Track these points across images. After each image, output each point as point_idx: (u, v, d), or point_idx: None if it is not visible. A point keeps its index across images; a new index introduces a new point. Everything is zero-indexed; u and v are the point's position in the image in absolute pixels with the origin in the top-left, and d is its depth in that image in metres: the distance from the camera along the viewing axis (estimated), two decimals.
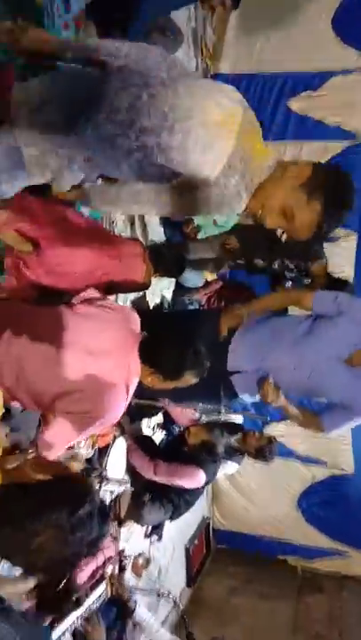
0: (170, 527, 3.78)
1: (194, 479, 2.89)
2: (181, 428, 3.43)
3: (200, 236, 3.50)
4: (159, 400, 2.64)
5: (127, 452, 2.83)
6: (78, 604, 2.21)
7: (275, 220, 1.43)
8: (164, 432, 3.59)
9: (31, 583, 1.42)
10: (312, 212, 1.37)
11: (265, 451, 3.42)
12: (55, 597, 1.92)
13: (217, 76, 4.42)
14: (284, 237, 2.81)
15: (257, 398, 2.37)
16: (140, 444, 2.94)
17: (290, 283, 3.38)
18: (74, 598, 2.16)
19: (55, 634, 2.02)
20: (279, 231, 3.02)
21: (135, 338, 1.66)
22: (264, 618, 4.59)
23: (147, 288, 2.46)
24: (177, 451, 3.09)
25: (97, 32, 2.32)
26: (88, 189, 1.57)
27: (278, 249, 3.14)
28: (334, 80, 4.34)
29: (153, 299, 3.36)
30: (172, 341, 1.64)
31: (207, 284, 3.91)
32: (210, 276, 4.03)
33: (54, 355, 1.51)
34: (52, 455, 1.50)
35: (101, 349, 1.57)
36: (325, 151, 4.43)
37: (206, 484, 3.04)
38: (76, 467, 2.16)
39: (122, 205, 1.54)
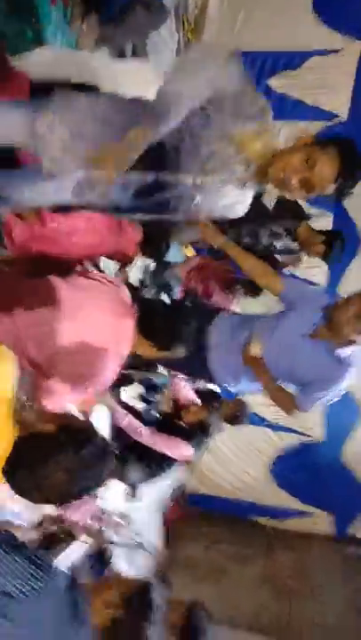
0: (147, 490, 3.98)
1: (182, 452, 3.04)
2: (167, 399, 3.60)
3: None
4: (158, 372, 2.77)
5: (116, 416, 2.97)
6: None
7: (298, 175, 1.60)
8: (145, 402, 3.75)
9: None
10: (331, 157, 1.58)
11: (239, 416, 3.60)
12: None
13: None
14: (272, 204, 2.97)
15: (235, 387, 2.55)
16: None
17: (280, 255, 3.52)
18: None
19: None
20: (268, 199, 3.15)
21: (127, 308, 1.80)
22: (236, 573, 4.90)
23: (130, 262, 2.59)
24: (169, 423, 3.23)
25: (84, 10, 2.37)
26: None
27: (266, 221, 3.24)
28: (314, 60, 4.42)
29: (134, 272, 3.47)
30: (166, 316, 1.79)
31: (187, 259, 4.03)
32: (189, 253, 4.16)
33: (51, 322, 1.63)
34: (51, 405, 1.63)
35: (95, 317, 1.71)
36: (305, 131, 4.52)
37: (189, 459, 3.20)
38: None
39: None
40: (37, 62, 2.07)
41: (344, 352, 2.22)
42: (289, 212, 3.49)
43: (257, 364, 2.30)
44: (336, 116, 4.48)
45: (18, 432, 1.40)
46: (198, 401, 3.39)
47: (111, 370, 1.75)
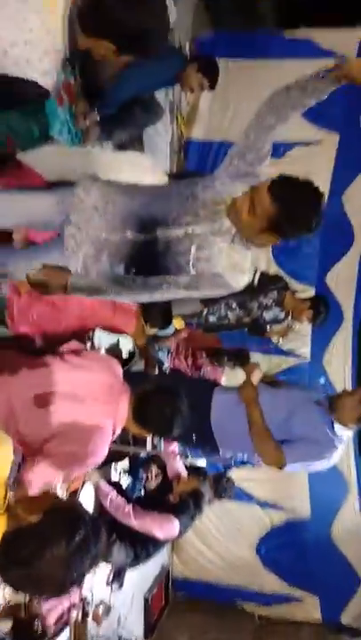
0: (130, 575, 3.80)
1: (169, 529, 2.94)
2: (153, 474, 3.53)
3: None
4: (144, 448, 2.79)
5: (100, 495, 2.89)
6: None
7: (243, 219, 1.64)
8: (131, 477, 3.66)
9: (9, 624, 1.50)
10: (270, 206, 1.57)
11: (221, 488, 3.53)
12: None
13: (189, 142, 4.80)
14: (256, 281, 3.12)
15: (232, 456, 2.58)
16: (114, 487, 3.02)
17: (270, 326, 3.67)
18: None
19: None
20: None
21: (120, 386, 1.82)
22: None
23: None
24: (155, 499, 3.15)
25: (87, 109, 2.56)
26: None
27: (254, 294, 3.42)
28: (296, 150, 4.78)
29: (126, 345, 3.51)
30: (162, 402, 1.81)
31: (176, 332, 4.10)
32: (178, 325, 4.24)
33: (44, 401, 1.64)
34: (32, 491, 1.60)
35: (89, 397, 1.72)
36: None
37: (177, 537, 3.09)
38: None
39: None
40: (44, 157, 2.22)
41: (341, 430, 2.42)
42: (272, 284, 3.70)
43: (252, 398, 2.42)
44: None
45: (5, 521, 1.36)
46: (185, 474, 3.33)
47: (104, 449, 1.74)
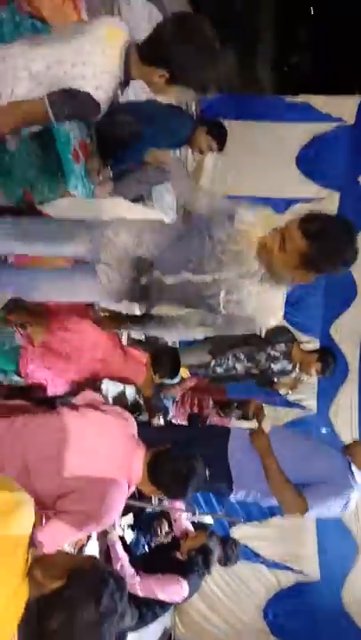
0: (132, 637, 3.58)
1: (177, 592, 2.84)
2: (163, 530, 3.43)
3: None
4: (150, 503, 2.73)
5: (113, 556, 2.79)
6: None
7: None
8: (135, 533, 3.54)
9: None
10: (302, 241, 1.57)
11: (227, 554, 3.41)
12: None
13: None
14: (263, 333, 3.16)
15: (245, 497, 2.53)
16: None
17: (277, 378, 3.67)
18: None
19: None
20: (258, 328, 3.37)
21: (134, 442, 1.79)
22: None
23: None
24: (163, 557, 3.05)
25: (101, 165, 2.69)
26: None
27: (262, 346, 3.44)
28: (298, 207, 4.94)
29: (131, 394, 3.50)
30: (179, 464, 1.79)
31: (182, 380, 4.09)
32: (184, 374, 4.23)
33: (57, 457, 1.61)
34: (48, 550, 1.54)
35: (103, 452, 1.69)
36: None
37: (185, 599, 2.97)
38: None
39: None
40: (60, 208, 2.31)
41: (358, 474, 2.45)
42: (279, 336, 3.72)
43: (265, 446, 2.41)
44: None
45: (27, 588, 1.29)
46: (192, 530, 3.22)
47: (119, 507, 1.69)
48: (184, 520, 3.22)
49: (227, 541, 3.45)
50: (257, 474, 2.42)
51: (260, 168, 4.95)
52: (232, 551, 3.42)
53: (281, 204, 4.95)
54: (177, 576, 2.81)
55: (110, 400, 3.03)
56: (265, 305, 1.71)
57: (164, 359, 2.62)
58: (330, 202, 4.94)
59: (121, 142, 2.86)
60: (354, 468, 2.47)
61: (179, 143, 3.40)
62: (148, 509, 3.63)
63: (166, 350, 2.80)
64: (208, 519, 3.91)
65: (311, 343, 4.86)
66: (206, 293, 1.69)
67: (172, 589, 2.80)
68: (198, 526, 3.53)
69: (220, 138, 3.34)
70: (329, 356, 3.58)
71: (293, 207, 4.92)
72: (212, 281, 1.68)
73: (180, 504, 3.20)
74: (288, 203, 4.96)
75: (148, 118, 2.83)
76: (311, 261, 1.57)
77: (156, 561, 2.91)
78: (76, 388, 2.20)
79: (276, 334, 3.69)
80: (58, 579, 1.22)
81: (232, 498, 2.65)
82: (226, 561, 3.42)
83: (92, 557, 1.93)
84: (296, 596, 4.84)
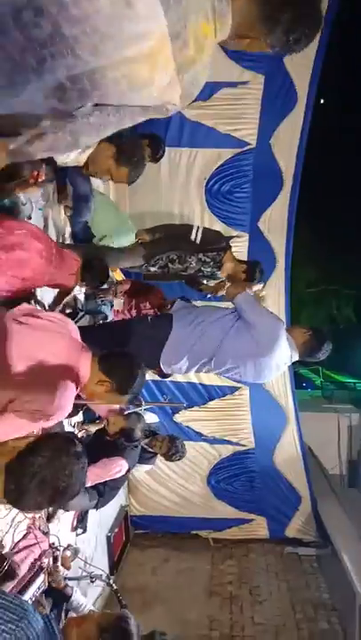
0: (91, 519, 3.98)
1: (118, 470, 3.14)
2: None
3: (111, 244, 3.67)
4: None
5: None
6: (20, 593, 2.34)
7: None
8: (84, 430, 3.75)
9: None
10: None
11: (172, 452, 3.76)
12: None
13: None
14: (199, 238, 3.16)
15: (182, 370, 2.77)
16: None
17: (206, 280, 3.74)
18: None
19: None
20: (193, 232, 3.37)
21: (78, 345, 1.84)
22: (183, 590, 4.98)
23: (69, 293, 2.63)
24: (100, 443, 3.29)
25: None
26: None
27: (192, 248, 3.46)
28: (224, 91, 4.71)
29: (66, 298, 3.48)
30: (125, 362, 1.88)
31: (117, 283, 4.10)
32: (118, 276, 4.24)
33: (4, 363, 1.64)
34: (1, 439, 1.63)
35: (49, 356, 1.73)
36: (218, 158, 4.84)
37: (128, 470, 3.30)
38: None
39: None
40: None
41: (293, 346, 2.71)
42: (213, 242, 3.71)
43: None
44: (247, 143, 4.81)
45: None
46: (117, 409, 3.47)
47: (69, 404, 1.78)
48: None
49: (175, 439, 3.82)
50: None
51: None
52: (179, 450, 3.78)
53: (205, 90, 4.67)
54: (113, 457, 3.13)
55: (46, 307, 3.01)
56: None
57: (93, 268, 2.63)
58: (255, 86, 4.75)
59: None
60: (289, 338, 2.67)
61: None
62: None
63: (97, 260, 2.77)
64: (153, 418, 4.21)
65: (241, 237, 4.99)
66: None
67: (113, 468, 3.13)
68: (148, 434, 3.83)
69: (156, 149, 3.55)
70: (257, 272, 3.54)
71: (218, 93, 4.73)
72: None
73: None
74: (213, 87, 4.72)
75: None
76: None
77: (95, 450, 3.17)
78: (10, 300, 2.18)
79: (211, 241, 3.66)
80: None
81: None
82: (172, 456, 3.79)
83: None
84: (235, 463, 5.49)
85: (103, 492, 3.23)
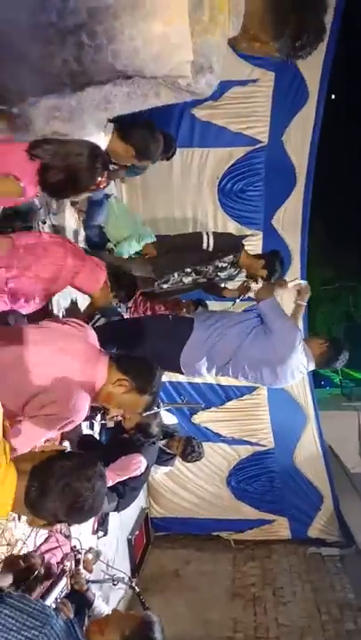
0: (112, 522, 3.98)
1: (137, 466, 3.13)
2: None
3: (118, 254, 3.66)
4: None
5: None
6: (43, 598, 2.35)
7: None
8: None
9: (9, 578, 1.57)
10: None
11: (188, 451, 3.74)
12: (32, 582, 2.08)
13: None
14: (211, 245, 3.10)
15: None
16: (84, 445, 3.11)
17: (225, 283, 3.69)
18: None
19: None
20: (205, 240, 3.28)
21: (96, 350, 1.84)
22: (206, 592, 4.95)
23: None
24: (117, 441, 3.29)
25: None
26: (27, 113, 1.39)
27: (206, 257, 3.40)
28: (234, 90, 4.68)
29: (84, 303, 3.50)
30: (143, 361, 1.88)
31: None
32: None
33: (22, 364, 1.64)
34: (22, 450, 1.63)
35: (65, 359, 1.74)
36: (230, 157, 4.81)
37: (148, 468, 3.29)
38: None
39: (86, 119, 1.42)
40: None
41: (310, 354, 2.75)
42: (226, 246, 3.63)
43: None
44: (258, 141, 4.78)
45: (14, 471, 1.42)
46: None
47: (85, 407, 1.78)
48: None
49: (191, 440, 3.80)
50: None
51: None
52: (196, 451, 3.76)
53: (216, 89, 4.69)
54: (131, 454, 3.12)
55: (62, 310, 3.04)
56: None
57: (124, 283, 2.63)
58: (265, 84, 4.71)
59: None
60: (306, 348, 2.69)
61: None
62: None
63: (127, 275, 2.78)
64: (171, 419, 4.20)
65: (255, 236, 4.95)
66: None
67: (132, 465, 3.12)
68: (166, 435, 3.83)
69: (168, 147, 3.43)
70: (276, 263, 3.47)
71: (228, 92, 4.70)
72: None
73: None
74: (223, 86, 4.68)
75: None
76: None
77: (113, 450, 3.17)
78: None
79: (224, 247, 3.56)
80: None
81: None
82: (188, 457, 3.78)
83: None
84: (255, 464, 5.45)
85: (123, 494, 3.22)
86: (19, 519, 2.28)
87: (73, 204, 3.49)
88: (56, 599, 2.46)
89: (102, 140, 2.20)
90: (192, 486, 5.53)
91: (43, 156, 1.72)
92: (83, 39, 0.96)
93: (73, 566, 2.80)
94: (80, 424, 3.41)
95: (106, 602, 3.23)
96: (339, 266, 12.49)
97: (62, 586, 2.59)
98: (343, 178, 11.55)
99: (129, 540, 4.77)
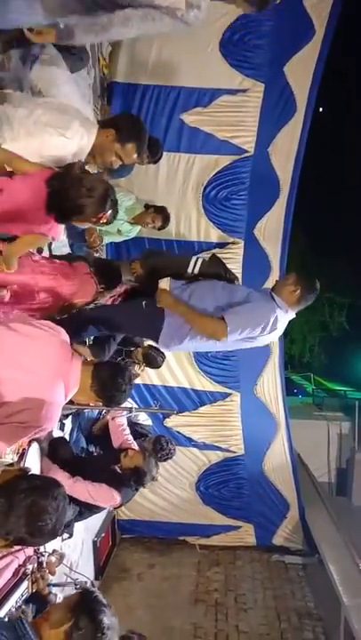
0: (78, 523, 3.94)
1: (109, 500, 3.09)
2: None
3: (104, 242, 3.65)
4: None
5: (43, 463, 2.93)
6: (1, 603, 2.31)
7: None
8: (75, 432, 3.72)
9: None
10: None
11: (158, 449, 3.72)
12: None
13: (113, 85, 4.56)
14: (197, 269, 3.04)
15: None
16: (55, 448, 3.07)
17: None
18: None
19: None
20: (192, 263, 3.20)
21: (69, 352, 1.82)
22: (168, 596, 4.95)
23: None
24: (106, 464, 3.25)
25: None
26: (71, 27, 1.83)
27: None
28: (223, 98, 4.71)
29: None
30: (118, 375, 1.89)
31: None
32: None
33: None
34: None
35: (39, 364, 1.71)
36: (216, 164, 4.83)
37: (117, 507, 3.25)
38: None
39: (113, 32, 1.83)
40: None
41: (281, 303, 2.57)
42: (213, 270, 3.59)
43: (169, 300, 2.54)
44: (245, 151, 4.81)
45: None
46: (135, 446, 3.42)
47: (56, 415, 1.76)
48: (125, 433, 3.42)
49: (164, 442, 3.77)
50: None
51: (181, 51, 4.52)
52: (167, 453, 3.74)
53: (204, 97, 4.69)
54: (112, 488, 3.04)
55: None
56: None
57: (110, 272, 2.64)
58: (254, 94, 4.75)
59: None
60: (276, 297, 2.56)
61: None
62: (89, 413, 3.80)
63: (111, 264, 2.78)
64: (146, 420, 4.17)
65: (237, 244, 4.99)
66: None
67: (106, 497, 3.06)
68: (139, 435, 3.79)
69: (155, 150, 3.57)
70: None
71: (219, 99, 4.72)
72: None
73: (120, 416, 3.42)
74: (213, 94, 4.72)
75: None
76: None
77: (99, 470, 3.12)
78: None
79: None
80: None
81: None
82: (161, 459, 3.76)
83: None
84: (224, 470, 5.48)
85: (83, 514, 3.15)
86: None
87: None
88: (16, 602, 2.42)
89: (87, 138, 2.17)
90: (161, 490, 5.53)
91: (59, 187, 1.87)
92: None
93: (35, 569, 2.76)
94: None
95: None
96: (318, 276, 12.64)
97: (23, 589, 2.55)
98: (327, 190, 11.74)
99: (94, 543, 4.73)
